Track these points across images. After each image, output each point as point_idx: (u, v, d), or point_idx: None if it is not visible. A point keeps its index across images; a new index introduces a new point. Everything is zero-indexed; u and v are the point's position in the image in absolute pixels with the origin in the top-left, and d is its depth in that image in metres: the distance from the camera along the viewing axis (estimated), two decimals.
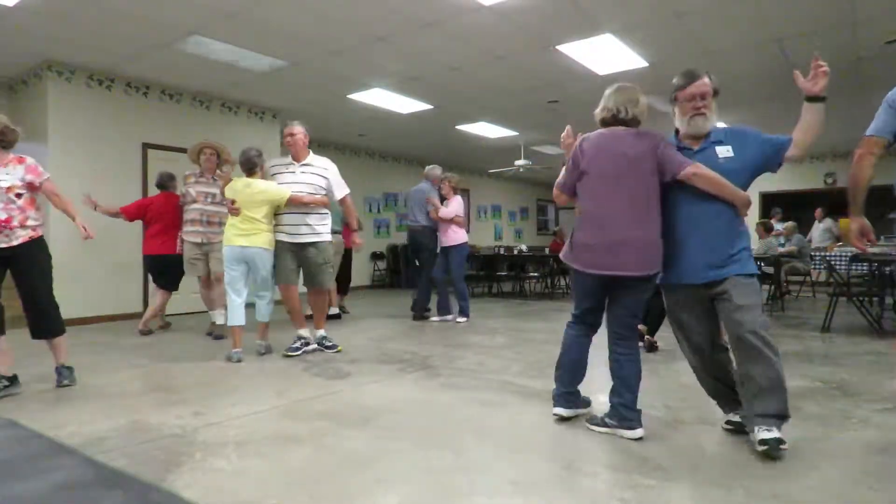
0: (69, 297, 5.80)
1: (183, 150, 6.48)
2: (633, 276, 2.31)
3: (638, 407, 2.38)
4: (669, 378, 3.40)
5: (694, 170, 2.22)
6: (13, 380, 3.07)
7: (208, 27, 4.95)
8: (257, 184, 4.02)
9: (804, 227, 9.11)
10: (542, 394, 3.06)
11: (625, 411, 2.36)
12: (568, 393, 2.60)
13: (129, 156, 6.31)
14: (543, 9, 4.60)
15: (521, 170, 10.57)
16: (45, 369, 3.70)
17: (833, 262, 5.23)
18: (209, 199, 4.91)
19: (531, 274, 10.06)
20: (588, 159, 2.42)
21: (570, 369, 2.62)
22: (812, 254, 7.91)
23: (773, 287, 6.95)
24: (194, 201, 4.88)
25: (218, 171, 4.92)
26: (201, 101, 7.01)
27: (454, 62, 5.90)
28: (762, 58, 5.80)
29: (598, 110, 2.53)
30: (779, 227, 9.10)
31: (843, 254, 5.22)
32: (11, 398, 2.97)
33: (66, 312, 5.67)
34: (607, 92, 2.51)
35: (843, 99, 7.32)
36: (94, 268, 6.01)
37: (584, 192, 2.45)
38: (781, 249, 8.04)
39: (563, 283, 9.62)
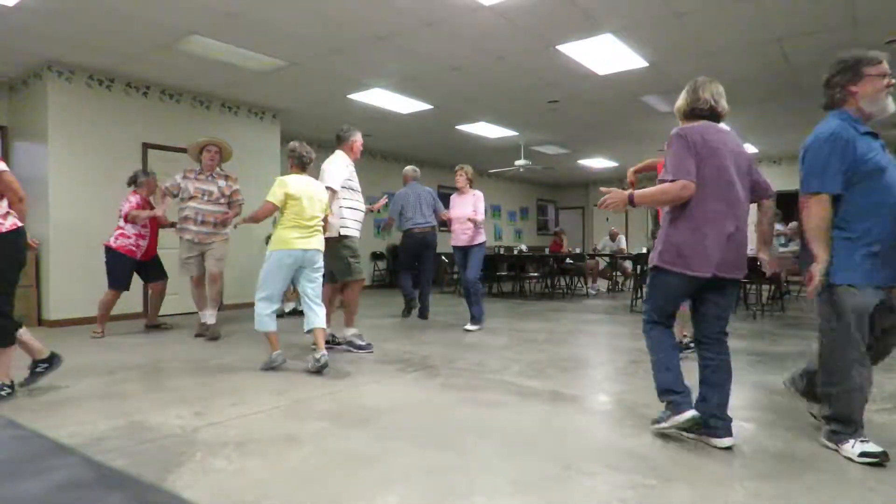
0: (69, 297, 5.83)
1: (183, 151, 6.50)
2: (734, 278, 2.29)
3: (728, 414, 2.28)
4: None
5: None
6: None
7: (208, 27, 4.95)
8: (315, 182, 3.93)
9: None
10: (542, 394, 3.06)
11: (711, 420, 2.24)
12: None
13: (129, 156, 6.31)
14: (543, 9, 4.60)
15: (521, 170, 10.57)
16: None
17: None
18: (206, 198, 4.83)
19: (531, 274, 10.05)
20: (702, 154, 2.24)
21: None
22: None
23: (773, 287, 6.96)
24: (191, 198, 4.79)
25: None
26: (201, 101, 7.01)
27: (454, 62, 5.90)
28: (762, 58, 5.80)
29: (684, 102, 2.39)
30: (779, 227, 9.10)
31: None
32: (12, 398, 2.97)
33: (66, 312, 5.76)
34: (696, 84, 2.38)
35: None
36: (94, 268, 6.01)
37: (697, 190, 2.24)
38: (784, 250, 8.04)
39: (562, 283, 9.63)
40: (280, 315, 6.13)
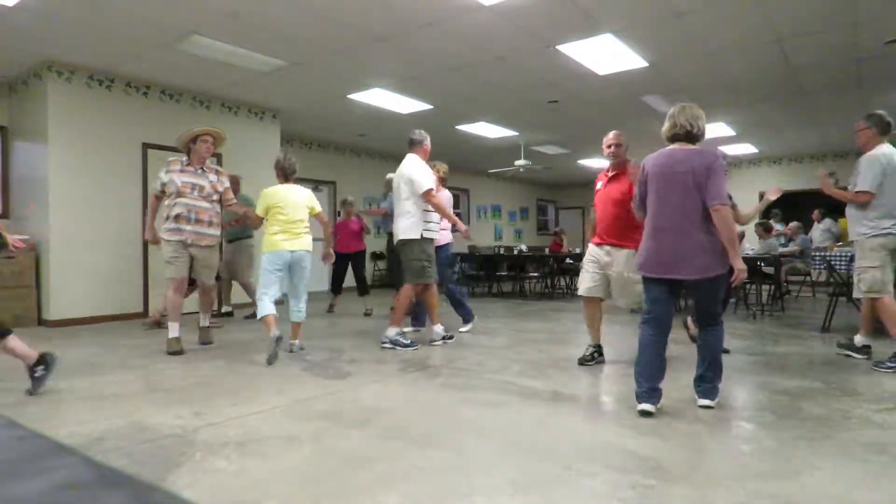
0: (69, 298, 5.83)
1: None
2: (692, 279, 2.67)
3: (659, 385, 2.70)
4: (670, 379, 3.40)
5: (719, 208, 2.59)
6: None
7: (208, 27, 4.95)
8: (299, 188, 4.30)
9: (805, 227, 9.10)
10: (542, 394, 3.06)
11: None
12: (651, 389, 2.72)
13: (129, 156, 6.31)
14: (543, 9, 4.60)
15: (521, 170, 10.56)
16: None
17: (833, 262, 5.22)
18: (196, 193, 4.27)
19: (531, 274, 10.05)
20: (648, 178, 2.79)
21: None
22: (812, 254, 7.93)
23: (773, 287, 6.96)
24: (180, 194, 4.22)
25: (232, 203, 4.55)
26: (201, 101, 7.01)
27: (454, 62, 5.90)
28: (762, 58, 5.80)
29: (665, 127, 2.80)
30: (779, 227, 9.10)
31: (843, 254, 5.20)
32: (12, 398, 2.97)
33: (66, 312, 5.76)
34: (675, 110, 2.77)
35: (844, 99, 7.32)
36: (94, 268, 6.02)
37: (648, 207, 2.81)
38: (784, 249, 8.04)
39: (563, 283, 9.63)
40: (229, 314, 6.31)
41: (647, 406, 2.64)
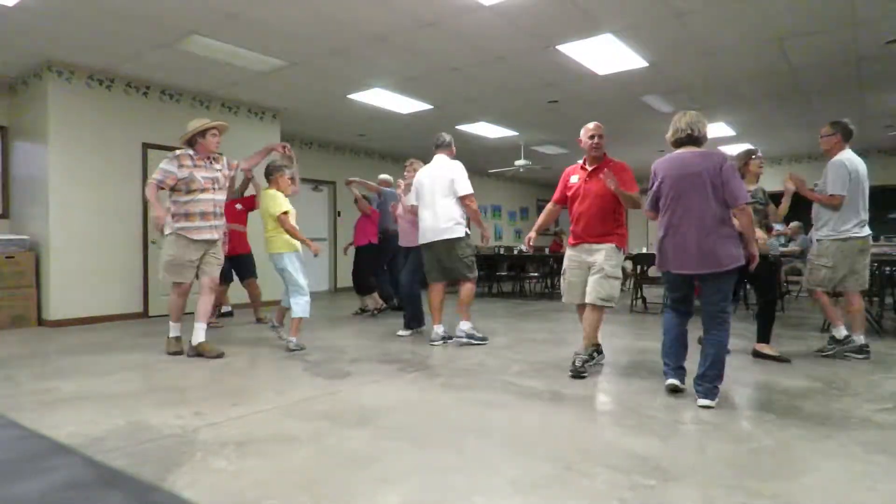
0: (69, 298, 5.83)
1: None
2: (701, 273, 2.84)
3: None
4: None
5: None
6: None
7: (208, 27, 4.95)
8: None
9: (805, 227, 9.09)
10: (542, 394, 3.06)
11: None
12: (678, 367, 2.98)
13: (129, 156, 6.31)
14: (543, 9, 4.60)
15: (521, 170, 10.57)
16: (43, 369, 3.70)
17: None
18: (216, 187, 4.17)
19: (531, 274, 10.05)
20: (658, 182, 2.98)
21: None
22: None
23: None
24: (203, 189, 4.06)
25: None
26: (201, 101, 7.01)
27: (454, 62, 5.90)
28: (762, 58, 5.80)
29: (669, 133, 2.97)
30: (779, 227, 9.09)
31: None
32: (11, 398, 2.97)
33: (66, 313, 5.76)
34: (676, 117, 2.95)
35: (844, 99, 7.32)
36: (94, 268, 6.02)
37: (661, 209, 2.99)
38: (784, 249, 8.05)
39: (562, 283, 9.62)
40: (229, 314, 6.36)
41: (673, 381, 2.90)
